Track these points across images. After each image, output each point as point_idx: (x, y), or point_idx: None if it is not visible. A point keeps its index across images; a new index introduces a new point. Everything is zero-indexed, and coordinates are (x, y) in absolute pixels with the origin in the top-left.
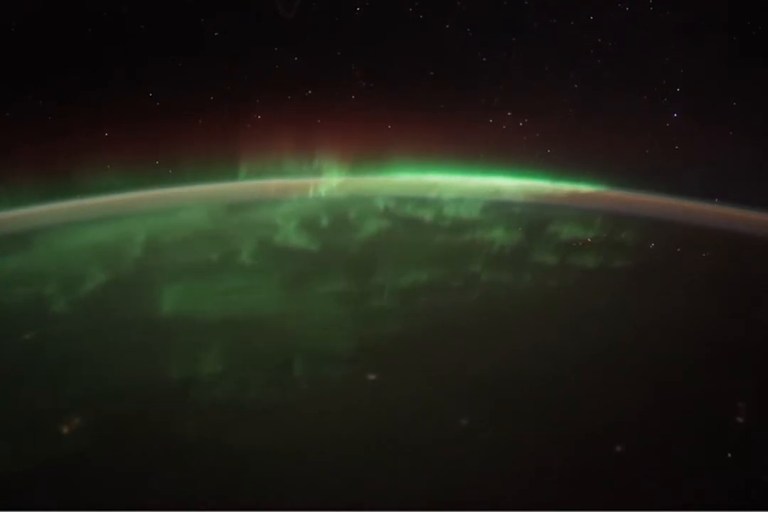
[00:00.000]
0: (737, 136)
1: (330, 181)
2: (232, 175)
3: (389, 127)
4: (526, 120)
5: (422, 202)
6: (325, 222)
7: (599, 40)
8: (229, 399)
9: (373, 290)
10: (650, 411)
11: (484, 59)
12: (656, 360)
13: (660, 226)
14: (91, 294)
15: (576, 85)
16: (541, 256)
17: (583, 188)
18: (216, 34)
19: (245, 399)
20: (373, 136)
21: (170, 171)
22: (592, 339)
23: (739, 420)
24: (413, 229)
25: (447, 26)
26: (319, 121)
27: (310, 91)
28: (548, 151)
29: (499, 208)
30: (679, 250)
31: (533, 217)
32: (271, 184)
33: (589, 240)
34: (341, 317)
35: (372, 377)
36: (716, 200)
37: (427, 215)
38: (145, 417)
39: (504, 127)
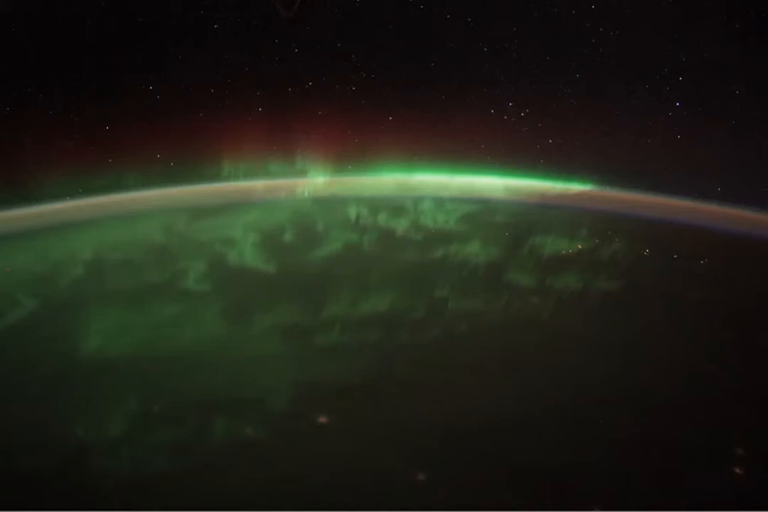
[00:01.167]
0: (739, 129)
1: (318, 182)
2: (225, 174)
3: (390, 118)
4: (527, 110)
5: (406, 205)
6: (289, 235)
7: (601, 29)
8: (148, 459)
9: (324, 323)
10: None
11: (485, 49)
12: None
13: (659, 228)
14: (5, 327)
15: (578, 75)
16: (524, 273)
17: (579, 187)
18: (216, 26)
19: (161, 459)
20: (373, 128)
21: (171, 164)
22: (581, 381)
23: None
24: (385, 241)
25: (448, 16)
26: (320, 112)
27: (310, 83)
28: (550, 141)
29: (489, 211)
30: (676, 256)
31: (522, 222)
32: (259, 184)
33: (580, 247)
34: (283, 357)
35: (313, 430)
36: (719, 189)
37: (406, 223)
38: (40, 482)
39: (505, 117)
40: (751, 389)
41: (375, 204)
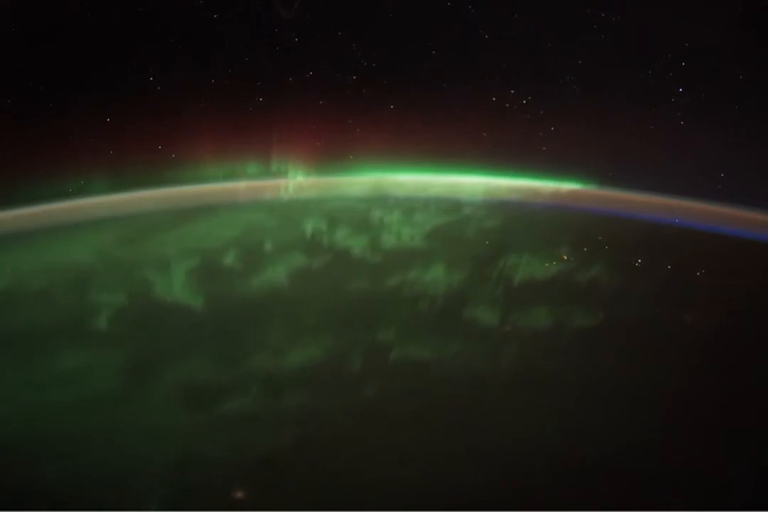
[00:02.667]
0: (742, 116)
1: (304, 182)
2: (218, 173)
3: (392, 106)
4: (529, 98)
5: (376, 214)
6: (232, 256)
7: (603, 14)
8: None
9: (244, 378)
10: None
11: (486, 37)
12: None
13: (653, 232)
14: None
15: (580, 61)
16: (493, 306)
17: (572, 186)
18: (215, 15)
19: None
20: (374, 117)
21: (172, 155)
22: (550, 443)
23: None
24: (338, 264)
25: (448, 3)
26: (321, 102)
27: (311, 73)
28: (552, 128)
29: (468, 219)
30: (669, 267)
31: (503, 231)
32: (242, 185)
33: (565, 257)
34: (190, 424)
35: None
36: (721, 175)
37: (368, 238)
38: None
39: (507, 104)
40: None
41: (344, 211)
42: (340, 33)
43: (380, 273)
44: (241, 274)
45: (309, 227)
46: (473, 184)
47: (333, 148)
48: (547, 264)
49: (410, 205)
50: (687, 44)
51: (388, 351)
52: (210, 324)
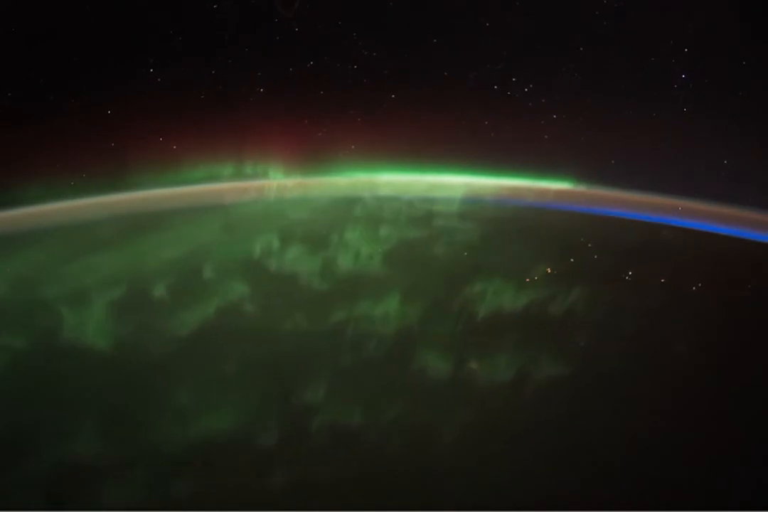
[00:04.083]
0: (746, 105)
1: (289, 183)
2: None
3: (393, 96)
4: (531, 86)
5: (340, 225)
6: (164, 284)
7: (605, 1)
8: None
9: (132, 455)
10: None
11: (487, 24)
12: None
13: (649, 235)
14: None
15: (581, 49)
16: (452, 348)
17: (563, 185)
18: (215, 5)
19: None
20: (375, 107)
21: (174, 146)
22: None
23: None
24: (277, 295)
25: None
26: (321, 92)
27: (311, 63)
28: (554, 116)
29: (441, 230)
30: (664, 279)
31: (479, 243)
32: (227, 186)
33: (549, 270)
34: None
35: None
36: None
37: (320, 259)
38: None
39: (508, 93)
40: None
41: (308, 222)
42: (340, 23)
43: (330, 307)
44: (169, 306)
45: (260, 246)
46: (467, 183)
47: (333, 140)
48: (531, 288)
49: (397, 206)
50: (690, 31)
51: (319, 412)
52: (111, 379)
